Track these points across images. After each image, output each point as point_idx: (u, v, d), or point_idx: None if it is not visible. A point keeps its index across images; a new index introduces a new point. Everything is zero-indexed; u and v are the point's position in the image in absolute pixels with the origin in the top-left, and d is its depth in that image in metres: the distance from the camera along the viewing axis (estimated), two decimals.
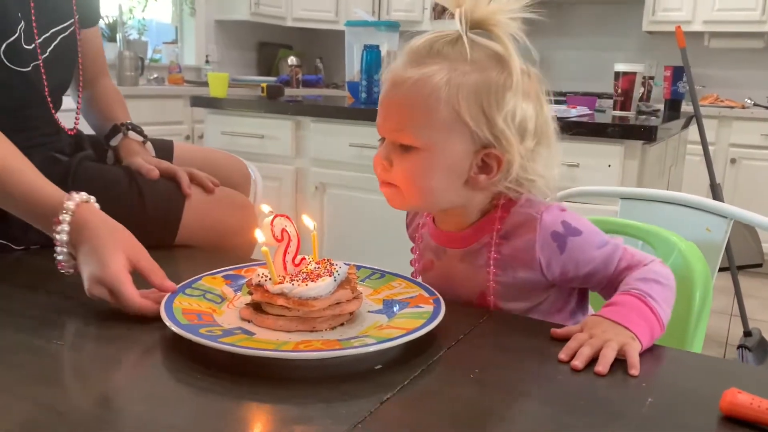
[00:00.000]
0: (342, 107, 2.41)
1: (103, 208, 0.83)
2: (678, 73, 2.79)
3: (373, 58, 2.51)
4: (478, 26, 0.75)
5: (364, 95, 2.50)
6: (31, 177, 0.83)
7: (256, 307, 0.70)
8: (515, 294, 0.81)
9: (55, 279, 0.89)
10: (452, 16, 0.75)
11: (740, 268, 2.53)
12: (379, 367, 0.63)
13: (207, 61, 4.36)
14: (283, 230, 0.71)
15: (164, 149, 1.28)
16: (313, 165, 2.35)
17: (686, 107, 2.86)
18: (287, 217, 0.72)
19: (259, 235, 0.71)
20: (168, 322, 0.66)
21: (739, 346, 2.38)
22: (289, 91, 3.47)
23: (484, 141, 0.75)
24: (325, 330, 0.69)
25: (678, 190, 2.99)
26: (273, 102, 2.52)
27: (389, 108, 0.77)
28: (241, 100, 2.66)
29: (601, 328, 0.70)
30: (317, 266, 0.72)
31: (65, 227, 0.78)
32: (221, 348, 0.61)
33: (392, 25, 2.90)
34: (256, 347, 0.62)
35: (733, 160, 3.58)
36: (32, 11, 0.97)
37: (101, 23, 3.85)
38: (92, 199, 0.82)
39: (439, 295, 0.74)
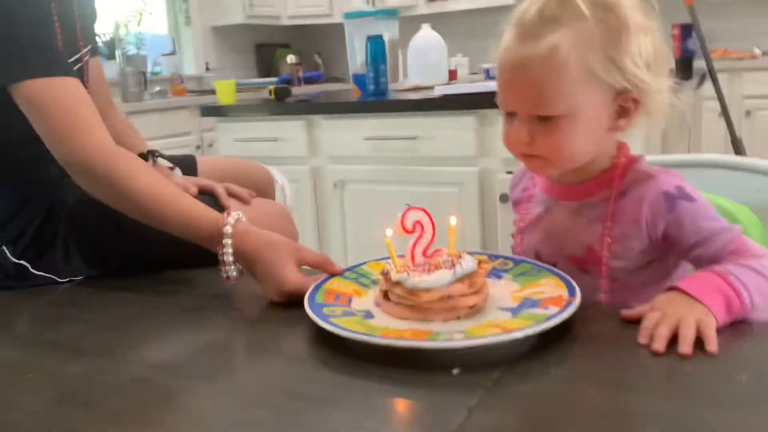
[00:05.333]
0: (354, 102, 2.38)
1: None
2: (686, 31, 2.73)
3: (378, 48, 2.48)
4: None
5: (372, 87, 2.47)
6: (185, 203, 0.89)
7: (386, 293, 0.74)
8: (624, 252, 0.81)
9: (102, 310, 0.90)
10: None
11: None
12: (456, 371, 0.61)
13: (207, 69, 4.34)
14: (417, 222, 0.75)
15: (188, 165, 1.27)
16: (329, 163, 2.33)
17: (696, 64, 2.81)
18: (423, 210, 0.75)
19: (389, 232, 0.75)
20: (306, 298, 0.74)
21: None
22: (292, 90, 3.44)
23: (619, 88, 0.76)
24: (438, 322, 0.69)
25: (699, 149, 2.96)
26: (282, 103, 2.50)
27: (521, 87, 0.77)
28: (250, 105, 2.64)
29: (673, 305, 0.68)
30: (447, 259, 0.73)
31: (229, 250, 0.85)
32: (317, 321, 0.68)
33: (391, 13, 2.87)
34: (349, 328, 0.66)
35: (747, 113, 3.53)
36: (59, 41, 0.94)
37: (99, 41, 3.79)
38: (243, 216, 0.88)
39: (576, 299, 0.69)
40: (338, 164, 2.31)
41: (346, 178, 2.30)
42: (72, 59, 0.99)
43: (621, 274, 0.82)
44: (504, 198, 1.98)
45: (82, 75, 1.04)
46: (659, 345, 0.63)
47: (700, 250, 0.77)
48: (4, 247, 0.97)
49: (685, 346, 0.62)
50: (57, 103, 0.87)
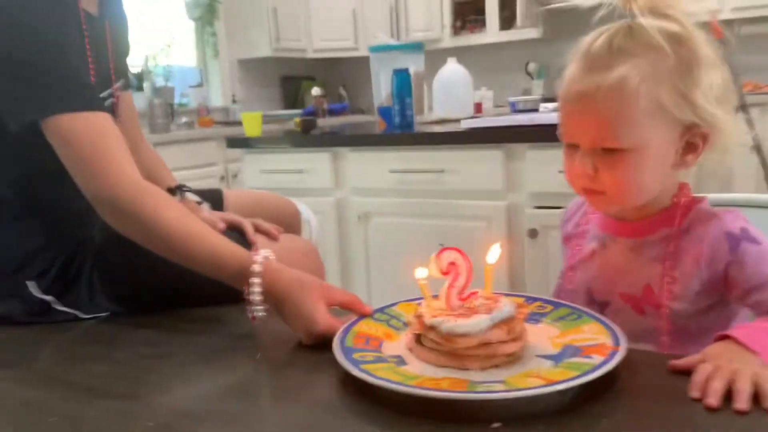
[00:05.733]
0: (380, 134, 2.38)
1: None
2: None
3: (403, 81, 2.49)
4: (652, 12, 0.75)
5: (397, 119, 2.47)
6: (213, 240, 0.88)
7: (419, 337, 0.70)
8: (683, 293, 0.78)
9: (127, 349, 0.88)
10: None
11: None
12: (497, 425, 0.58)
13: (234, 101, 4.39)
14: (452, 263, 0.71)
15: (214, 199, 1.26)
16: (354, 195, 2.32)
17: None
18: (458, 251, 0.72)
19: (419, 272, 0.71)
20: (336, 342, 0.71)
21: None
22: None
23: (688, 123, 0.74)
24: (475, 370, 0.66)
25: (729, 184, 2.89)
26: (308, 135, 2.50)
27: (587, 117, 0.75)
28: (276, 137, 2.65)
29: (726, 356, 0.63)
30: (484, 302, 0.70)
31: (256, 289, 0.82)
32: (347, 368, 0.65)
33: (417, 47, 2.88)
34: (381, 375, 0.63)
35: None
36: (91, 74, 0.94)
37: (130, 75, 3.82)
38: (271, 254, 0.86)
39: (621, 347, 0.66)
40: (363, 197, 2.30)
41: (371, 210, 2.29)
42: (104, 94, 0.99)
43: (680, 317, 0.78)
44: (533, 233, 1.94)
45: (113, 109, 1.04)
46: (714, 400, 0.59)
47: (761, 295, 0.73)
48: (28, 283, 0.97)
49: (742, 402, 0.58)
50: (86, 137, 0.87)
